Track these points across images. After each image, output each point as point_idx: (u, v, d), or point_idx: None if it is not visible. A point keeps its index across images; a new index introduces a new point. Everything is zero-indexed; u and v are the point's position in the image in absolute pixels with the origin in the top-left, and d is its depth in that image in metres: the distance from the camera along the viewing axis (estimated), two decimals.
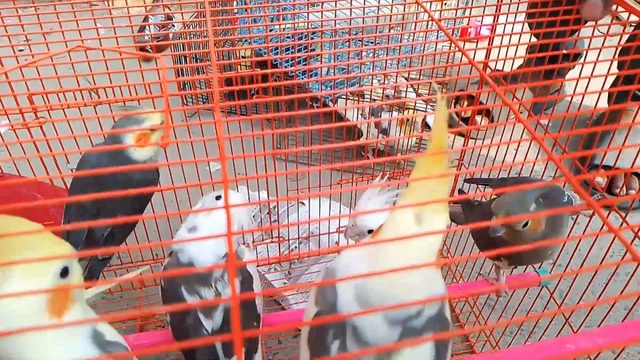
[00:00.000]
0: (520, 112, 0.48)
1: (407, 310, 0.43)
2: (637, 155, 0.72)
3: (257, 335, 0.75)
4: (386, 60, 0.93)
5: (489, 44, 0.85)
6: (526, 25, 0.82)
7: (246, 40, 1.45)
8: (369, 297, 0.43)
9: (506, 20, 0.74)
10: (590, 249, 0.81)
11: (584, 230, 0.77)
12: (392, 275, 0.41)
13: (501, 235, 0.68)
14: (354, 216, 0.75)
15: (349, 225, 0.79)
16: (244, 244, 1.16)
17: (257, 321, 0.76)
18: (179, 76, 1.43)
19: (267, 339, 1.07)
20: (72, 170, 0.88)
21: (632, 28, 0.74)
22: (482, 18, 0.71)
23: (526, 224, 0.67)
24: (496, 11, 0.72)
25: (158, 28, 1.85)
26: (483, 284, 0.84)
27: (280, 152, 0.41)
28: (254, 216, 1.24)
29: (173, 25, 1.85)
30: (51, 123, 0.81)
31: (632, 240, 0.71)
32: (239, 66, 1.54)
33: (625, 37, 0.71)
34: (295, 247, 1.19)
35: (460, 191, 0.97)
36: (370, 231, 0.76)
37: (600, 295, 0.78)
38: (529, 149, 0.89)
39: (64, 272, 0.47)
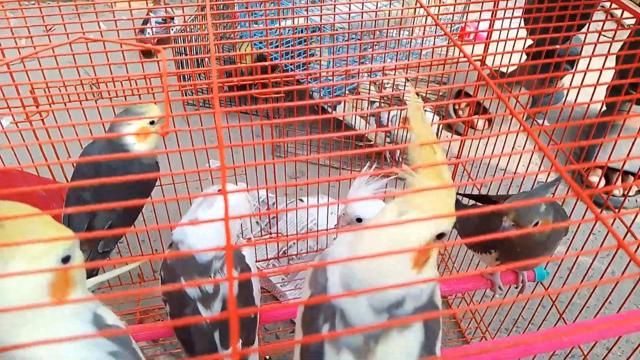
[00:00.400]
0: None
1: (388, 298, 0.44)
2: (628, 153, 0.73)
3: (254, 327, 0.76)
4: (385, 55, 0.93)
5: (487, 38, 0.86)
6: (523, 23, 0.82)
7: (246, 35, 1.46)
8: (350, 282, 0.45)
9: (504, 15, 0.75)
10: (584, 245, 0.82)
11: (577, 227, 0.78)
12: (368, 263, 0.43)
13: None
14: (343, 203, 0.77)
15: (340, 214, 0.81)
16: (244, 238, 1.17)
17: (255, 313, 0.77)
18: (179, 69, 1.44)
19: (265, 334, 1.08)
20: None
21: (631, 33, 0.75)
22: (480, 14, 0.72)
23: (536, 223, 0.68)
24: (494, 6, 0.74)
25: (160, 22, 1.86)
26: (478, 278, 0.85)
27: (279, 141, 0.42)
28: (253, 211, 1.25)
29: (172, 19, 1.86)
30: (52, 117, 0.82)
31: (625, 236, 0.72)
32: (239, 62, 1.55)
33: (619, 34, 0.72)
34: (294, 244, 1.20)
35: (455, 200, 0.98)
36: (359, 220, 0.78)
37: (592, 292, 0.79)
38: (525, 144, 0.90)
39: (66, 260, 0.47)
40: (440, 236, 0.44)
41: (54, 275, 0.46)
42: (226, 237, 0.36)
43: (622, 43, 0.78)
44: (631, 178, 1.35)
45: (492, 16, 0.76)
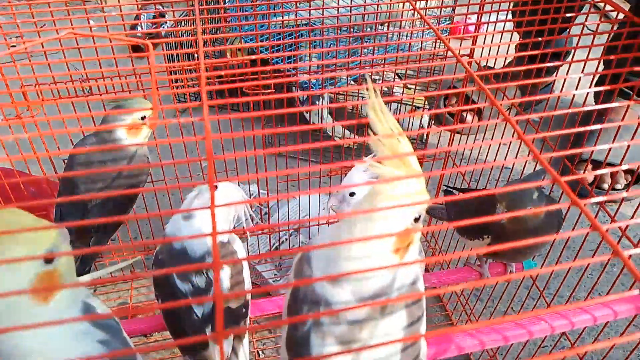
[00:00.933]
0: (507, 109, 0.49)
1: (372, 287, 0.45)
2: (610, 146, 0.74)
3: (245, 321, 0.77)
4: (374, 50, 0.94)
5: (475, 31, 0.87)
6: (511, 16, 0.83)
7: (235, 29, 1.47)
8: (333, 270, 0.45)
9: (491, 8, 0.76)
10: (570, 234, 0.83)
11: (564, 216, 0.79)
12: (349, 254, 0.43)
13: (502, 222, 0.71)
14: (336, 190, 0.78)
15: (333, 193, 0.81)
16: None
17: (246, 307, 0.77)
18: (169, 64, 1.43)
19: (257, 329, 1.08)
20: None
21: (617, 26, 0.75)
22: (468, 8, 0.73)
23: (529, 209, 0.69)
24: (481, 1, 0.75)
25: (150, 23, 1.86)
26: (466, 270, 0.86)
27: (268, 132, 0.43)
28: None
29: (164, 16, 1.86)
30: (43, 113, 0.83)
31: (609, 222, 0.73)
32: (228, 56, 1.55)
33: (602, 27, 0.73)
34: (286, 240, 1.21)
35: (447, 191, 0.99)
36: (352, 194, 0.78)
37: (579, 281, 0.80)
38: (511, 139, 0.91)
39: (49, 260, 0.45)
40: (416, 220, 0.45)
41: (36, 276, 0.44)
42: (212, 225, 0.36)
43: (607, 37, 0.79)
44: (621, 172, 1.37)
45: (479, 10, 0.77)
